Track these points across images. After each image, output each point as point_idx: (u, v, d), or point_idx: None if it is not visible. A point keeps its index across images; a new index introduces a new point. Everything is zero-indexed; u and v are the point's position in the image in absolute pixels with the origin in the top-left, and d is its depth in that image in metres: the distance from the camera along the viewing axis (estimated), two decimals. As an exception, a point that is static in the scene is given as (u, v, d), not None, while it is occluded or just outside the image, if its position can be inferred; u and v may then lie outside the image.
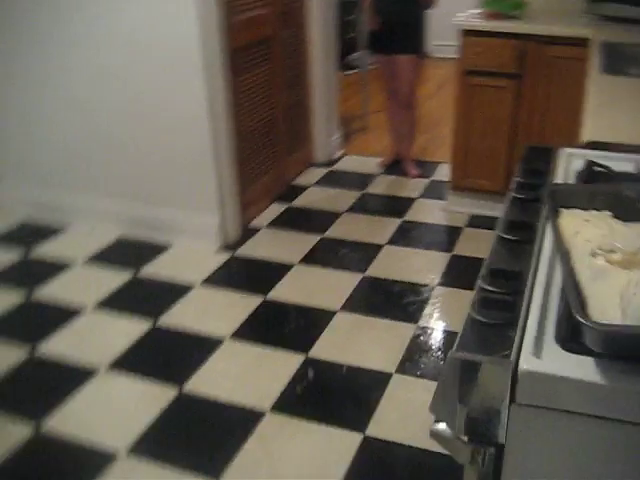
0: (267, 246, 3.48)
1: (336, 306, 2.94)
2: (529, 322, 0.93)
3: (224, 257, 3.38)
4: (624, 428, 0.83)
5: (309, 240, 3.52)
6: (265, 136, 3.86)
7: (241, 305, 2.98)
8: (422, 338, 2.71)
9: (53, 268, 3.33)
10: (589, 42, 2.87)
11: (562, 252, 0.98)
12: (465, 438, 0.92)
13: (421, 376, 2.48)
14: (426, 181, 4.20)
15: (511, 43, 3.25)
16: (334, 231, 3.61)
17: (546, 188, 1.19)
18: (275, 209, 3.90)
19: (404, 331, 2.76)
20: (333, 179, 4.31)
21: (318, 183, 4.25)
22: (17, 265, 3.39)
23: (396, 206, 3.88)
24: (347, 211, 3.84)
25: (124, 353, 2.69)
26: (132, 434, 2.27)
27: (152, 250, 3.46)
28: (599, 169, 1.35)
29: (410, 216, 3.75)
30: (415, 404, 2.34)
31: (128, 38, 3.22)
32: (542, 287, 1.01)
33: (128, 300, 3.05)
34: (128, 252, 3.47)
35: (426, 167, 4.38)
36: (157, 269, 3.29)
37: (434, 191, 4.03)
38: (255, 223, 3.72)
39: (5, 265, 3.38)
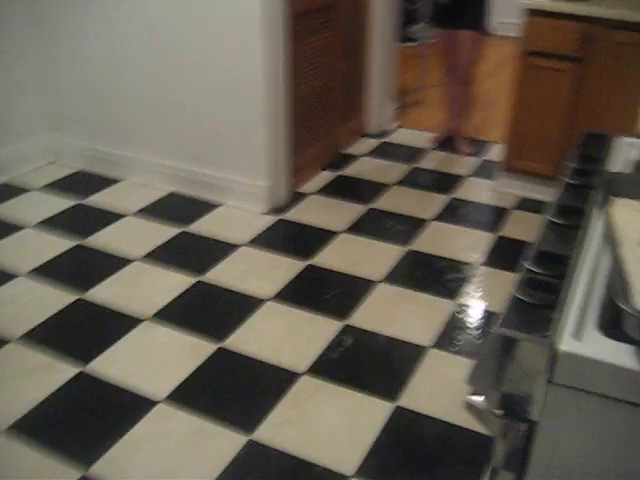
0: (314, 212, 3.52)
1: (378, 277, 2.97)
2: (572, 306, 0.95)
3: (271, 220, 3.43)
4: (657, 416, 0.85)
5: (356, 209, 3.54)
6: (320, 103, 3.88)
7: (285, 268, 3.04)
8: (461, 315, 2.73)
9: (106, 217, 3.42)
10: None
11: (611, 240, 0.99)
12: (499, 412, 0.95)
13: (457, 352, 2.50)
14: (478, 160, 4.17)
15: (576, 26, 3.19)
16: (382, 202, 3.62)
17: (600, 176, 1.19)
18: (325, 176, 3.92)
19: (444, 307, 2.78)
20: (384, 151, 4.30)
21: (369, 154, 4.25)
22: (72, 212, 3.49)
23: (445, 183, 3.87)
24: (396, 184, 3.84)
25: (169, 304, 2.77)
26: (171, 383, 2.36)
27: (202, 207, 3.53)
28: (656, 161, 1.35)
29: (459, 194, 3.74)
30: (449, 379, 2.37)
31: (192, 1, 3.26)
32: (588, 273, 1.03)
33: (176, 254, 3.13)
34: (179, 207, 3.54)
35: (479, 146, 4.35)
36: (206, 226, 3.36)
37: (485, 171, 4.01)
38: (304, 189, 3.76)
39: (61, 212, 3.48)
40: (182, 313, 2.73)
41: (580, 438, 0.91)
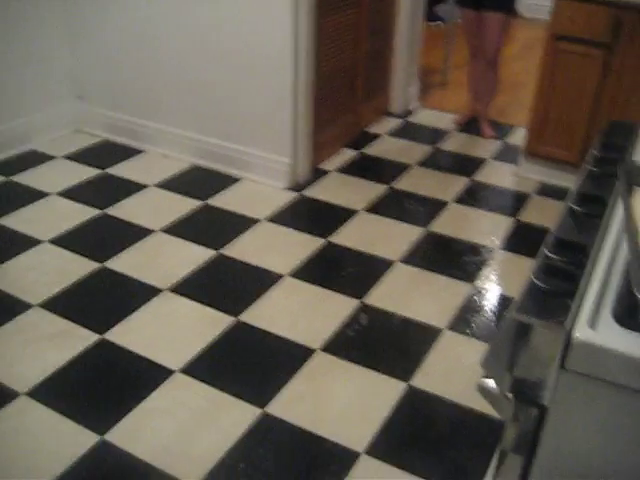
0: (334, 190, 3.53)
1: (396, 257, 2.98)
2: (588, 294, 0.96)
3: (292, 196, 3.45)
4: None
5: (376, 189, 3.55)
6: (344, 80, 3.87)
7: (304, 244, 3.05)
8: (477, 298, 2.74)
9: (128, 188, 3.46)
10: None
11: (630, 231, 1.00)
12: (511, 396, 0.97)
13: (471, 335, 2.51)
14: (500, 143, 4.15)
15: (607, 11, 3.14)
16: (402, 183, 3.62)
17: (623, 165, 1.19)
18: (346, 154, 3.92)
19: (460, 289, 2.79)
20: (407, 131, 4.29)
21: (391, 133, 4.24)
22: (95, 181, 3.53)
23: (467, 165, 3.86)
24: (417, 164, 3.84)
25: (187, 277, 2.80)
26: (187, 354, 2.39)
27: (223, 182, 3.55)
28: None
29: (479, 177, 3.73)
30: (462, 362, 2.38)
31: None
32: (605, 262, 1.03)
33: (195, 227, 3.16)
34: (200, 181, 3.56)
35: (502, 129, 4.32)
36: (226, 201, 3.38)
37: (507, 154, 3.99)
38: (325, 166, 3.76)
39: (84, 180, 3.52)
40: (200, 285, 2.76)
41: (590, 425, 0.93)
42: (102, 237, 3.08)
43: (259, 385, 2.28)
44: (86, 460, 1.99)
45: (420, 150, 4.02)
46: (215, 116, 3.60)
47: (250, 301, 2.67)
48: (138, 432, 2.08)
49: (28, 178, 3.51)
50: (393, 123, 4.38)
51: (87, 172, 3.60)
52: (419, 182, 3.64)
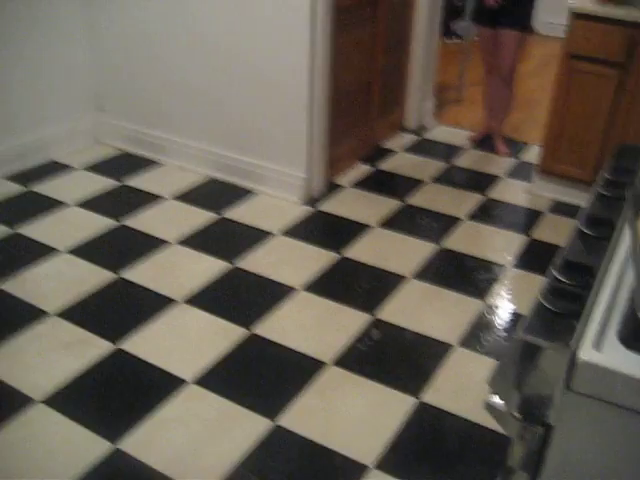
0: (349, 205, 3.56)
1: (408, 272, 3.00)
2: (594, 316, 0.98)
3: (306, 210, 3.48)
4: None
5: (390, 204, 3.58)
6: (360, 96, 3.91)
7: (317, 258, 3.08)
8: (488, 316, 2.75)
9: (145, 199, 3.50)
10: None
11: (636, 255, 1.02)
12: (517, 415, 0.99)
13: (482, 352, 2.53)
14: (514, 161, 4.17)
15: (623, 31, 3.16)
16: (416, 199, 3.65)
17: (631, 189, 1.21)
18: (361, 170, 3.96)
19: (471, 306, 2.81)
20: (421, 147, 4.32)
21: (406, 149, 4.27)
22: (113, 192, 3.58)
23: (481, 182, 3.88)
24: (431, 180, 3.86)
25: (201, 288, 2.84)
26: (201, 365, 2.42)
27: (238, 195, 3.59)
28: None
29: (493, 194, 3.75)
30: (472, 378, 2.40)
31: (240, -14, 3.30)
32: (612, 285, 1.05)
33: (210, 239, 3.19)
34: (215, 194, 3.61)
35: (516, 146, 4.34)
36: (241, 213, 3.42)
37: (521, 172, 4.01)
38: (340, 181, 3.80)
39: (102, 191, 3.57)
40: (214, 297, 2.80)
41: (595, 446, 0.95)
42: (118, 248, 3.12)
43: (271, 397, 2.30)
44: (99, 468, 2.02)
45: (434, 166, 4.04)
46: (231, 130, 3.65)
47: (263, 314, 2.70)
48: (151, 441, 2.11)
49: (47, 188, 3.57)
50: (408, 139, 4.42)
51: (105, 183, 3.66)
52: (433, 198, 3.66)
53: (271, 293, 2.83)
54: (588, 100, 3.39)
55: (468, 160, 4.16)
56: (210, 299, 2.78)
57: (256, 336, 2.58)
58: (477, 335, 2.63)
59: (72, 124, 3.99)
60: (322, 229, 3.40)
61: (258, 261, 3.04)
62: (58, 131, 3.92)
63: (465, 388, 2.36)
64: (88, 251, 3.06)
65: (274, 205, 3.52)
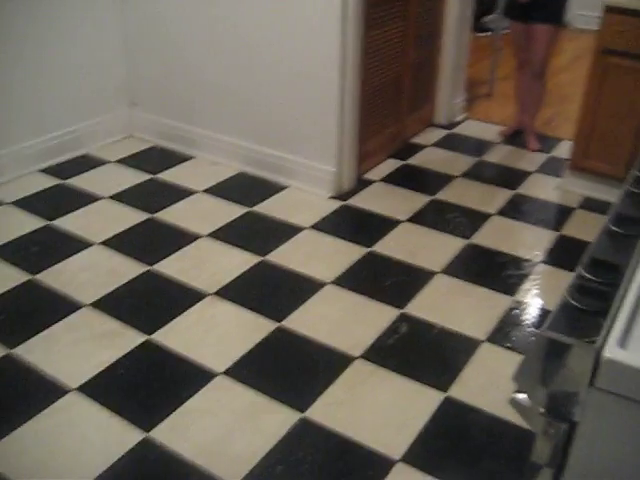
0: (378, 200, 3.57)
1: (437, 268, 3.01)
2: (620, 314, 0.99)
3: (336, 205, 3.50)
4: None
5: (419, 199, 3.58)
6: (390, 91, 3.91)
7: (346, 253, 3.10)
8: (516, 312, 2.75)
9: (176, 193, 3.55)
10: None
11: (664, 253, 1.02)
12: (542, 410, 1.00)
13: (510, 348, 2.53)
14: (545, 156, 4.15)
15: (657, 26, 3.13)
16: (445, 194, 3.65)
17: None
18: (390, 164, 3.97)
19: (500, 302, 2.81)
20: (451, 142, 4.31)
21: (436, 144, 4.27)
22: (145, 186, 3.64)
23: (510, 177, 3.87)
24: (460, 176, 3.86)
25: (231, 282, 2.88)
26: (230, 357, 2.46)
27: (268, 189, 3.62)
28: None
29: (523, 189, 3.73)
30: (500, 374, 2.40)
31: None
32: (639, 283, 1.06)
33: (240, 233, 3.23)
34: (246, 188, 3.64)
35: (547, 142, 4.31)
36: (271, 208, 3.45)
37: (551, 167, 3.98)
38: (369, 176, 3.81)
39: (134, 185, 3.63)
40: (244, 291, 2.83)
41: (619, 442, 0.95)
42: (151, 241, 3.17)
43: (299, 390, 2.33)
44: (131, 455, 2.07)
45: (464, 161, 4.04)
46: (262, 124, 3.68)
47: (292, 307, 2.73)
48: (182, 431, 2.16)
49: (81, 182, 3.64)
50: (438, 134, 4.41)
51: (138, 177, 3.71)
52: (462, 193, 3.66)
53: (300, 287, 2.86)
54: (621, 96, 3.35)
55: (498, 155, 4.15)
56: (240, 292, 2.82)
57: (285, 329, 2.61)
58: (505, 331, 2.63)
59: (106, 118, 4.06)
60: (351, 223, 3.42)
61: (287, 255, 3.07)
62: (92, 125, 3.99)
63: (492, 384, 2.37)
64: (121, 244, 3.11)
65: (304, 199, 3.54)
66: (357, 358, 2.48)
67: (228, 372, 2.39)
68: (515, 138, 4.34)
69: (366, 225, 3.36)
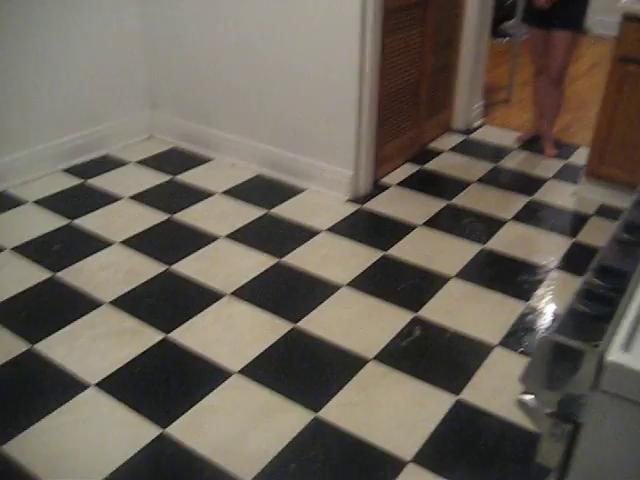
0: (394, 204, 3.60)
1: (451, 272, 3.04)
2: (625, 319, 1.01)
3: (352, 208, 3.54)
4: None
5: (435, 204, 3.61)
6: (408, 97, 3.94)
7: (362, 256, 3.14)
8: (530, 317, 2.77)
9: (195, 194, 3.61)
10: None
11: (670, 261, 1.05)
12: (548, 411, 1.03)
13: (522, 353, 2.55)
14: (562, 162, 4.16)
15: (675, 35, 3.14)
16: (461, 199, 3.67)
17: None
18: (407, 169, 4.00)
19: (513, 307, 2.83)
20: (468, 147, 4.34)
21: (453, 149, 4.29)
22: (164, 187, 3.69)
23: (527, 184, 3.88)
24: (477, 181, 3.88)
25: (248, 283, 2.92)
26: (246, 357, 2.50)
27: (286, 192, 3.67)
28: None
29: (539, 196, 3.74)
30: (511, 378, 2.42)
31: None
32: (645, 290, 1.09)
33: (258, 235, 3.28)
34: (264, 190, 3.69)
35: (565, 148, 4.32)
36: (288, 210, 3.49)
37: (568, 174, 3.99)
38: (386, 180, 3.84)
39: (154, 186, 3.69)
40: (260, 292, 2.87)
41: (622, 444, 0.98)
42: (169, 241, 3.22)
43: (313, 390, 2.37)
44: (148, 451, 2.11)
45: (481, 167, 4.06)
46: (281, 128, 3.72)
47: (307, 309, 2.76)
48: (197, 428, 2.20)
49: (102, 182, 3.70)
50: (456, 139, 4.44)
51: (158, 178, 3.77)
52: (478, 199, 3.68)
53: (316, 289, 2.90)
54: (638, 103, 3.36)
55: (515, 161, 4.16)
56: (257, 293, 2.86)
57: (300, 331, 2.65)
58: (518, 336, 2.65)
59: (127, 120, 4.13)
60: (368, 227, 3.45)
61: (304, 257, 3.11)
62: (114, 126, 4.05)
63: (503, 388, 2.39)
64: (140, 244, 3.17)
65: (321, 202, 3.58)
66: (371, 360, 2.51)
67: (243, 371, 2.44)
68: (532, 144, 4.35)
69: (382, 229, 3.39)
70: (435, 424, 2.24)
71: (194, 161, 3.98)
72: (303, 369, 2.47)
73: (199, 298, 2.82)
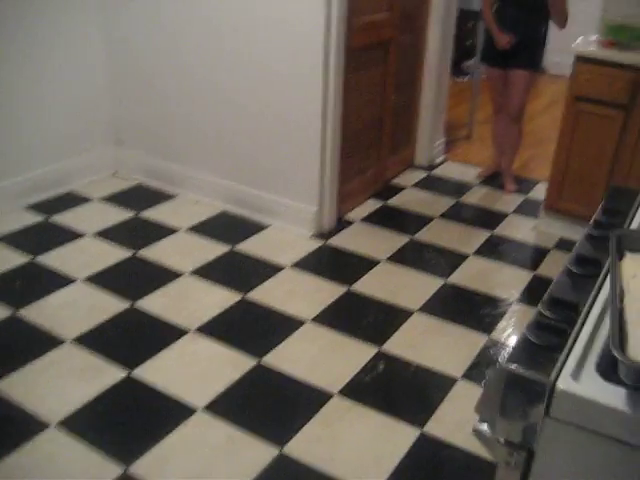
0: (358, 240, 3.64)
1: (415, 306, 3.07)
2: (574, 349, 1.05)
3: (316, 244, 3.57)
4: (643, 455, 0.95)
5: (399, 239, 3.66)
6: (371, 134, 4.02)
7: (326, 291, 3.16)
8: (492, 350, 2.81)
9: (160, 231, 3.61)
10: None
11: (615, 292, 1.09)
12: (502, 440, 1.06)
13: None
14: (522, 197, 4.25)
15: (625, 75, 3.26)
16: (424, 234, 3.73)
17: (613, 231, 1.29)
18: (370, 205, 4.05)
19: (476, 340, 2.87)
20: (430, 183, 4.41)
21: (415, 185, 4.37)
22: (128, 224, 3.69)
23: (488, 219, 3.96)
24: (439, 216, 3.95)
25: (213, 319, 2.92)
26: (210, 393, 2.49)
27: (250, 228, 3.69)
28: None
29: (500, 230, 3.82)
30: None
31: (258, 22, 3.40)
32: (594, 320, 1.13)
33: (222, 271, 3.28)
34: (229, 226, 3.71)
35: (525, 184, 4.42)
36: (253, 247, 3.51)
37: (528, 209, 4.08)
38: (350, 216, 3.89)
39: (118, 223, 3.68)
40: (225, 328, 2.88)
41: (573, 468, 1.01)
42: (133, 278, 3.21)
43: (278, 426, 2.37)
44: (110, 491, 2.09)
45: (443, 202, 4.13)
46: (246, 165, 3.76)
47: (272, 345, 2.77)
48: (161, 465, 2.18)
49: (66, 218, 3.69)
50: (418, 175, 4.51)
51: (122, 214, 3.77)
52: (441, 234, 3.74)
53: (280, 325, 2.91)
54: (593, 140, 3.47)
55: (476, 197, 4.25)
56: (221, 329, 2.86)
57: (265, 366, 2.65)
58: (480, 369, 2.69)
59: (92, 156, 4.13)
60: (332, 263, 3.48)
61: (268, 293, 3.13)
62: (77, 163, 4.05)
63: (467, 421, 2.41)
64: (104, 280, 3.15)
65: (285, 238, 3.61)
66: (335, 394, 2.52)
67: (208, 408, 2.43)
68: (493, 180, 4.45)
69: (346, 264, 3.43)
70: (399, 457, 2.26)
71: (159, 198, 3.99)
72: (268, 404, 2.47)
73: (163, 334, 2.81)
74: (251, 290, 3.13)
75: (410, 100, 4.42)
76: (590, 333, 1.10)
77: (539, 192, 4.24)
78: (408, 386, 2.61)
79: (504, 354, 2.79)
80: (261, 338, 2.81)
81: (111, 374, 2.57)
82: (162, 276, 3.21)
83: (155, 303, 3.01)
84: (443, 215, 3.97)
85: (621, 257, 1.23)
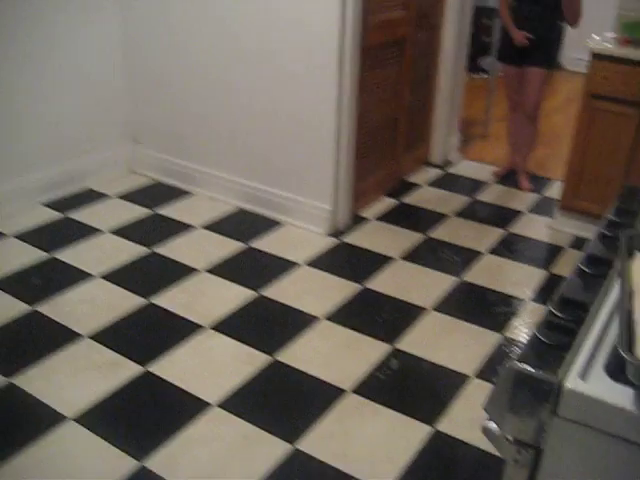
0: (372, 237, 3.66)
1: (429, 305, 3.08)
2: (583, 348, 1.06)
3: (331, 242, 3.59)
4: (650, 454, 0.96)
5: (413, 237, 3.67)
6: (386, 132, 4.02)
7: (340, 289, 3.18)
8: (506, 348, 2.81)
9: (176, 228, 3.64)
10: None
11: (625, 292, 1.10)
12: (510, 438, 1.07)
13: (498, 384, 2.59)
14: (537, 196, 4.24)
15: (641, 72, 3.25)
16: (438, 232, 3.73)
17: (624, 231, 1.29)
18: (385, 203, 4.06)
19: (490, 339, 2.87)
20: (446, 181, 4.42)
21: (430, 183, 4.37)
22: (146, 221, 3.73)
23: (503, 217, 3.96)
24: (454, 214, 3.95)
25: (228, 315, 2.95)
26: (225, 389, 2.52)
27: (265, 225, 3.71)
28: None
29: (515, 229, 3.82)
30: (488, 409, 2.45)
31: (272, 21, 3.43)
32: (603, 320, 1.14)
33: (237, 268, 3.31)
34: (244, 224, 3.73)
35: (540, 182, 4.41)
36: (267, 244, 3.53)
37: (543, 207, 4.08)
38: (364, 214, 3.90)
39: (135, 220, 3.72)
40: (240, 324, 2.90)
41: (580, 467, 1.02)
42: (149, 274, 3.25)
43: (291, 422, 2.39)
44: (126, 485, 2.12)
45: (458, 200, 4.13)
46: (261, 163, 3.78)
47: (286, 341, 2.79)
48: (175, 460, 2.21)
49: (83, 215, 3.73)
50: (433, 173, 4.52)
51: (138, 211, 3.81)
52: (455, 232, 3.74)
53: (294, 322, 2.93)
54: (609, 138, 3.46)
55: (491, 195, 4.24)
56: (236, 326, 2.89)
57: (279, 363, 2.68)
58: (494, 367, 2.69)
59: (109, 154, 4.17)
60: (346, 260, 3.49)
61: (283, 290, 3.15)
62: (95, 161, 4.09)
63: (480, 419, 2.40)
64: (120, 277, 3.19)
65: (300, 236, 3.63)
66: (349, 392, 2.54)
67: (223, 404, 2.45)
68: (508, 178, 4.44)
69: (360, 262, 3.44)
70: (412, 454, 2.27)
71: (174, 195, 4.02)
72: (281, 401, 2.49)
73: (179, 331, 2.84)
74: (266, 287, 3.16)
75: (425, 98, 4.42)
76: (599, 333, 1.10)
77: (554, 191, 4.23)
78: (421, 383, 2.62)
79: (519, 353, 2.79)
80: (275, 335, 2.84)
81: (127, 369, 2.60)
82: (178, 272, 3.24)
83: (171, 299, 3.04)
84: (458, 213, 3.97)
85: (630, 257, 1.24)
